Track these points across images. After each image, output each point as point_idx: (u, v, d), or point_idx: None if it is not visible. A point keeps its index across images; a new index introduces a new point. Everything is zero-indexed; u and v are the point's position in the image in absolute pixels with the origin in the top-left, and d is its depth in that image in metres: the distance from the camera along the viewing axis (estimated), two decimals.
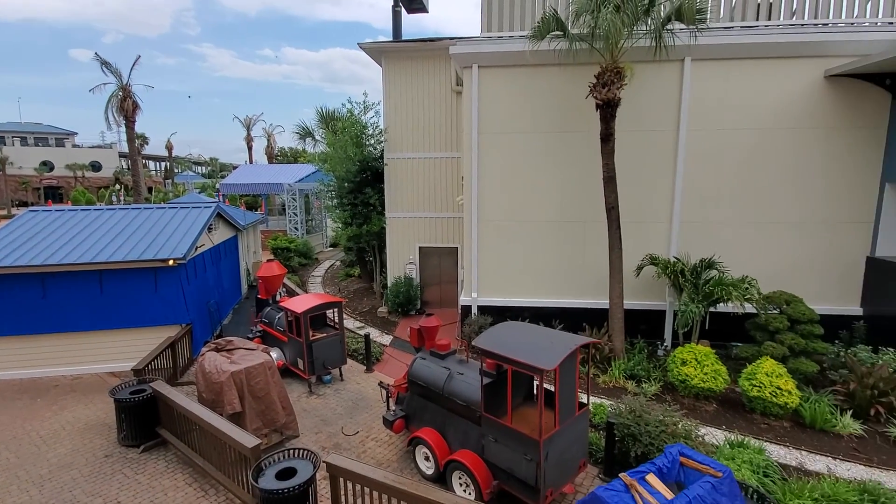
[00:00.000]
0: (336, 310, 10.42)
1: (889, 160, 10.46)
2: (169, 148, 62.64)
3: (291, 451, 6.05)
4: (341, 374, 10.41)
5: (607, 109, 9.74)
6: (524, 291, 11.99)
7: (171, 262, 10.51)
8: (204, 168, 74.54)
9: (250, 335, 11.18)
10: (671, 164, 11.10)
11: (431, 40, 13.81)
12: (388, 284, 15.36)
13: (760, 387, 8.20)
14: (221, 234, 14.92)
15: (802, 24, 10.72)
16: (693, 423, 7.23)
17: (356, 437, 8.06)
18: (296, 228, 25.79)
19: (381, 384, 8.33)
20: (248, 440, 6.19)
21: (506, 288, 12.05)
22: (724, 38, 10.34)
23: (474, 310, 12.05)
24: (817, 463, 7.16)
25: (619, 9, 8.77)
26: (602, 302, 10.85)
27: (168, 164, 65.87)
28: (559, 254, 11.76)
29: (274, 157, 57.00)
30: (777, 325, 9.20)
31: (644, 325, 11.41)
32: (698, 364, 8.92)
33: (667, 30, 9.45)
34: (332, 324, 10.89)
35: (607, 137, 9.87)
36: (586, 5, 9.11)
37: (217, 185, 40.19)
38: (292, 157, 54.01)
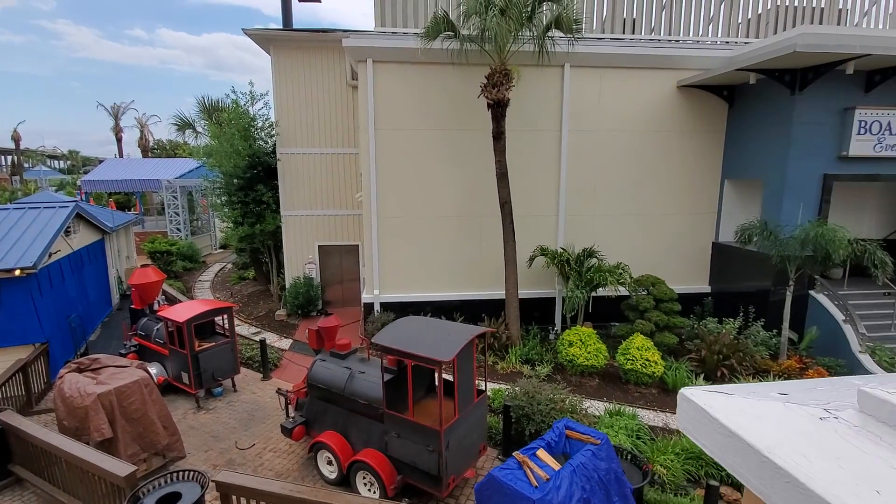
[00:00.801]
0: (226, 316, 9.70)
1: (727, 160, 12.36)
2: (16, 139, 52.99)
3: (175, 474, 5.53)
4: (234, 385, 9.73)
5: (498, 109, 10.22)
6: (426, 286, 12.19)
7: (17, 272, 9.00)
8: (62, 162, 64.35)
9: (124, 350, 10.00)
10: (556, 162, 11.99)
11: (324, 31, 13.35)
12: (287, 286, 14.66)
13: (633, 360, 9.26)
14: (84, 238, 13.07)
15: (659, 40, 12.20)
16: (578, 398, 7.95)
17: (252, 451, 7.62)
18: (178, 229, 23.46)
19: (278, 391, 7.97)
20: (120, 468, 5.55)
21: (408, 283, 12.14)
22: (596, 48, 11.38)
23: (377, 307, 11.98)
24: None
25: (504, 13, 9.24)
26: (499, 293, 11.42)
27: (15, 157, 55.78)
28: (458, 248, 12.13)
29: (149, 150, 51.06)
30: (645, 305, 10.45)
31: (537, 312, 12.24)
32: (583, 344, 9.81)
33: (548, 37, 10.16)
34: (222, 331, 10.13)
35: (499, 136, 10.37)
36: (475, 7, 9.45)
37: (79, 182, 35.01)
38: (171, 150, 48.84)
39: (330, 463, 6.84)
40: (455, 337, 6.15)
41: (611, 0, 12.24)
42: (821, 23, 13.11)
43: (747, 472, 1.29)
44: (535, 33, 10.11)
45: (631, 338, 9.72)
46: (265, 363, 10.37)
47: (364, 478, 6.42)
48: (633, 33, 12.31)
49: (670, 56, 11.56)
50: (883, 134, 10.28)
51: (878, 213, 13.25)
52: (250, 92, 14.77)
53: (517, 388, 7.76)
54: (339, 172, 14.52)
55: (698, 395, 1.58)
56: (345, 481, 6.60)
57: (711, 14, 12.63)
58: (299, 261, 14.80)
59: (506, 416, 7.29)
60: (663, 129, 12.10)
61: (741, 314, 10.79)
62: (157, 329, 9.69)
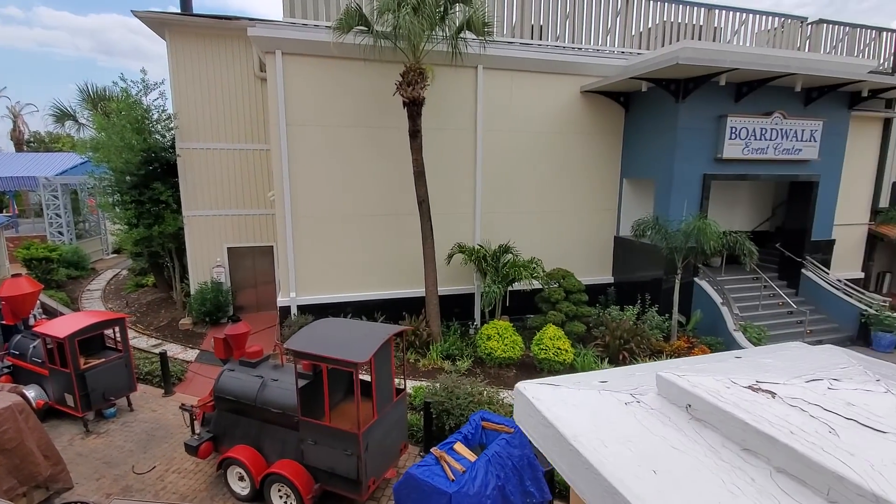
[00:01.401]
0: (117, 328, 8.78)
1: (624, 161, 13.46)
2: None
3: None
4: (130, 404, 8.84)
5: (413, 107, 10.24)
6: (345, 286, 11.93)
7: None
8: None
9: None
10: (472, 161, 12.29)
11: (226, 18, 12.49)
12: (192, 292, 13.58)
13: (546, 349, 9.80)
14: None
15: (563, 47, 12.94)
16: (496, 390, 8.25)
17: (152, 474, 6.99)
18: (60, 233, 20.77)
19: (182, 406, 7.38)
20: None
21: (326, 284, 11.80)
22: (507, 52, 11.81)
23: (294, 310, 11.51)
24: None
25: (417, 11, 9.25)
26: (420, 290, 11.47)
27: None
28: (378, 247, 12.00)
29: (24, 143, 44.60)
30: (556, 297, 11.08)
31: (458, 308, 12.48)
32: (500, 337, 10.19)
33: (461, 38, 10.35)
34: (113, 345, 9.16)
35: (415, 134, 10.39)
36: (387, 3, 9.36)
37: None
38: (50, 143, 43.12)
39: (242, 479, 6.48)
40: (372, 337, 6.09)
41: (519, 6, 12.75)
42: (700, 39, 14.68)
43: (560, 459, 1.38)
44: (449, 34, 10.25)
45: (544, 329, 10.26)
46: (166, 377, 9.54)
47: (279, 490, 6.16)
48: (541, 39, 12.94)
49: (573, 63, 12.31)
50: (749, 139, 11.76)
51: (748, 208, 15.19)
52: (143, 80, 13.45)
53: (437, 385, 7.87)
54: (249, 169, 13.70)
55: (529, 389, 1.68)
56: (258, 497, 6.29)
57: (609, 25, 13.64)
58: (206, 264, 13.78)
59: (426, 412, 7.37)
60: (569, 131, 12.87)
61: (639, 301, 11.83)
62: (34, 347, 8.52)
